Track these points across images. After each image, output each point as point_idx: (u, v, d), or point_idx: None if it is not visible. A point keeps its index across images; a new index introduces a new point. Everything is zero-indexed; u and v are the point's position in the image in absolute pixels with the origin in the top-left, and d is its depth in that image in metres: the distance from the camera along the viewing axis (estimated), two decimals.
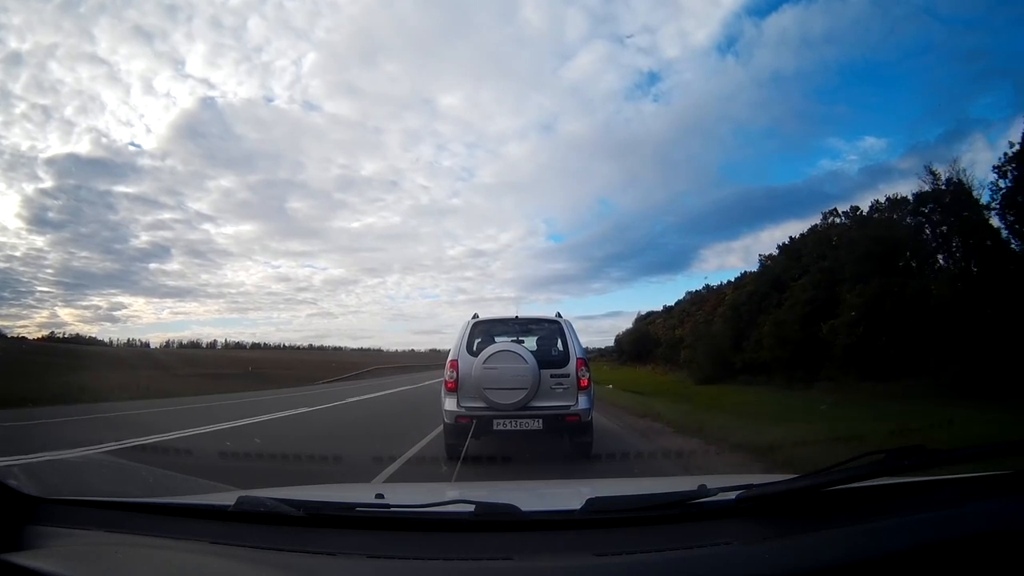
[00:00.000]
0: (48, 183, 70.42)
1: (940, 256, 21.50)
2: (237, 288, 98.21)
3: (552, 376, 6.07)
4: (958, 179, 20.70)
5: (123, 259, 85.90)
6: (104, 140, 77.20)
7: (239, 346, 58.96)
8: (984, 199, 20.18)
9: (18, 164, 65.21)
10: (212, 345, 58.83)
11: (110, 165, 79.84)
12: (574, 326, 6.67)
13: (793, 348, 23.35)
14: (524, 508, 1.50)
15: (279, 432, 9.74)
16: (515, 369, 5.85)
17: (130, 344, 51.54)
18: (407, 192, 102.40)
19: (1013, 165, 19.44)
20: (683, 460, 6.31)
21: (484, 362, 5.90)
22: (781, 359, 23.96)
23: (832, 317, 21.95)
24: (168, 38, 79.39)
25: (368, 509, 1.59)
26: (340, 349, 64.22)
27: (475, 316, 6.83)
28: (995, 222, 19.94)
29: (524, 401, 5.85)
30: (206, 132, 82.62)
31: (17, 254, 63.21)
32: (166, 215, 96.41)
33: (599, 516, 1.49)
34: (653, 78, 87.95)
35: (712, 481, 1.66)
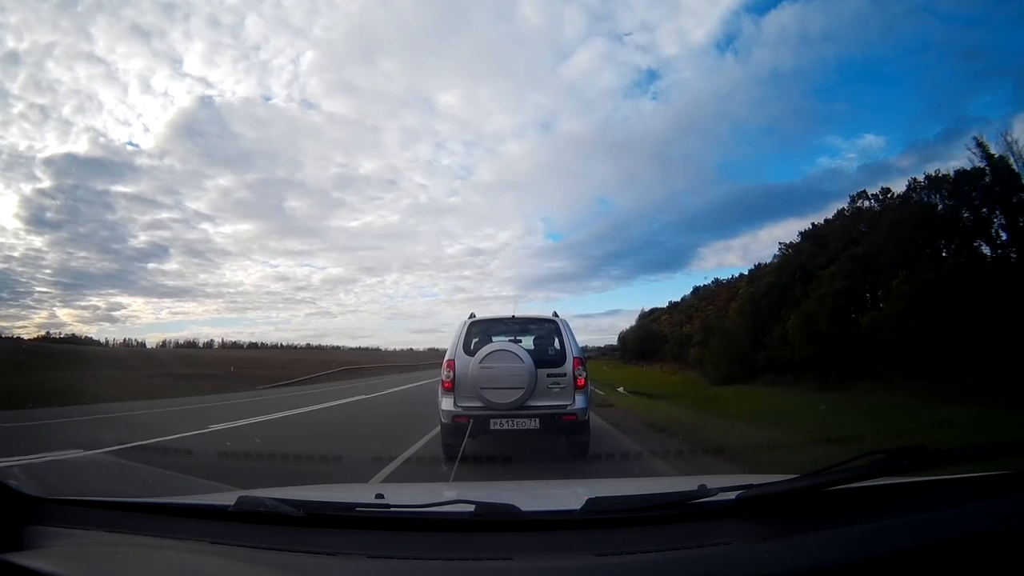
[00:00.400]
0: (46, 183, 70.20)
1: (992, 238, 19.10)
2: (236, 288, 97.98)
3: (549, 375, 6.07)
4: (1012, 153, 18.40)
5: (121, 259, 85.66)
6: (102, 139, 77.02)
7: (236, 345, 58.76)
8: None
9: (16, 164, 65.02)
10: (209, 344, 58.62)
11: (108, 164, 79.50)
12: (572, 325, 6.68)
13: (825, 344, 20.47)
14: (524, 508, 1.50)
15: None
16: (512, 368, 5.84)
17: (126, 344, 51.30)
18: (405, 191, 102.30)
19: None
20: (682, 460, 6.30)
21: (481, 361, 5.90)
22: (812, 356, 21.02)
23: (869, 308, 19.94)
24: (165, 37, 79.24)
25: (368, 509, 1.59)
26: (338, 348, 63.95)
27: (472, 316, 6.82)
28: None
29: (521, 400, 5.85)
30: (204, 131, 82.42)
31: (15, 254, 62.96)
32: (164, 215, 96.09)
33: (599, 516, 1.48)
34: (652, 76, 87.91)
35: (712, 481, 1.67)
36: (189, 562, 1.37)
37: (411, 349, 72.66)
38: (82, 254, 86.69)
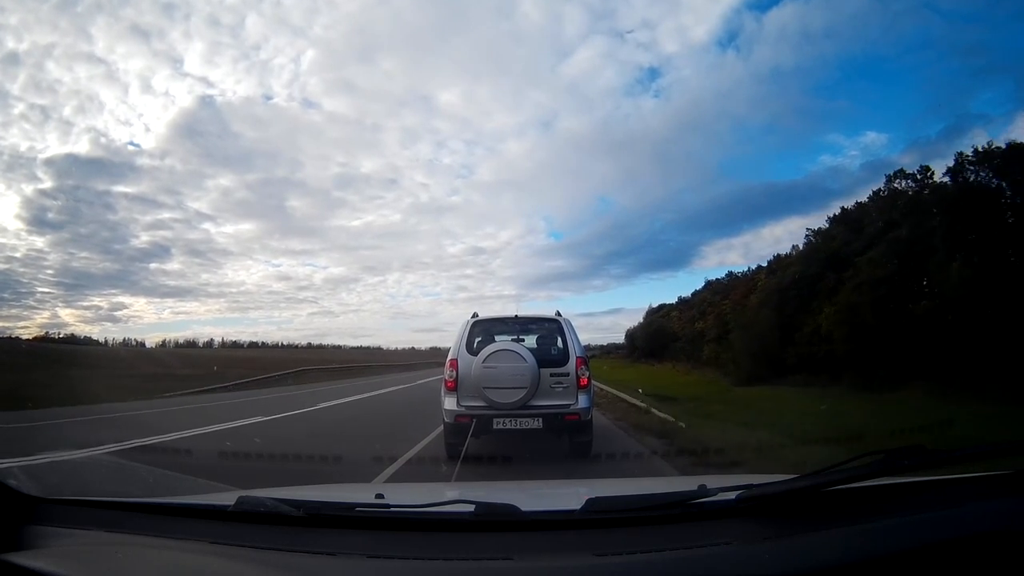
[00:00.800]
0: (47, 184, 70.03)
1: None
2: (238, 287, 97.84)
3: (552, 375, 6.07)
4: None
5: (123, 259, 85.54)
6: (103, 140, 76.80)
7: (236, 345, 58.60)
8: None
9: (17, 165, 64.95)
10: (209, 344, 58.50)
11: (109, 165, 79.38)
12: (574, 324, 6.68)
13: (870, 339, 17.73)
14: (524, 508, 1.50)
15: None
16: (515, 368, 5.85)
17: (126, 344, 51.15)
18: (406, 190, 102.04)
19: None
20: (683, 460, 6.30)
21: (484, 361, 5.90)
22: (852, 353, 18.32)
23: (919, 297, 17.62)
24: (166, 36, 78.98)
25: (368, 509, 1.59)
26: (339, 347, 63.80)
27: (474, 315, 6.82)
28: None
29: (524, 400, 5.85)
30: (205, 131, 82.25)
31: (17, 255, 62.87)
32: (165, 215, 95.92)
33: (599, 516, 1.48)
34: (653, 74, 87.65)
35: (712, 481, 1.66)
36: (189, 562, 1.38)
37: (412, 348, 72.56)
38: (84, 254, 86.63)
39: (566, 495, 2.31)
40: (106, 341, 50.12)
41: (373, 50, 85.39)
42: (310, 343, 67.77)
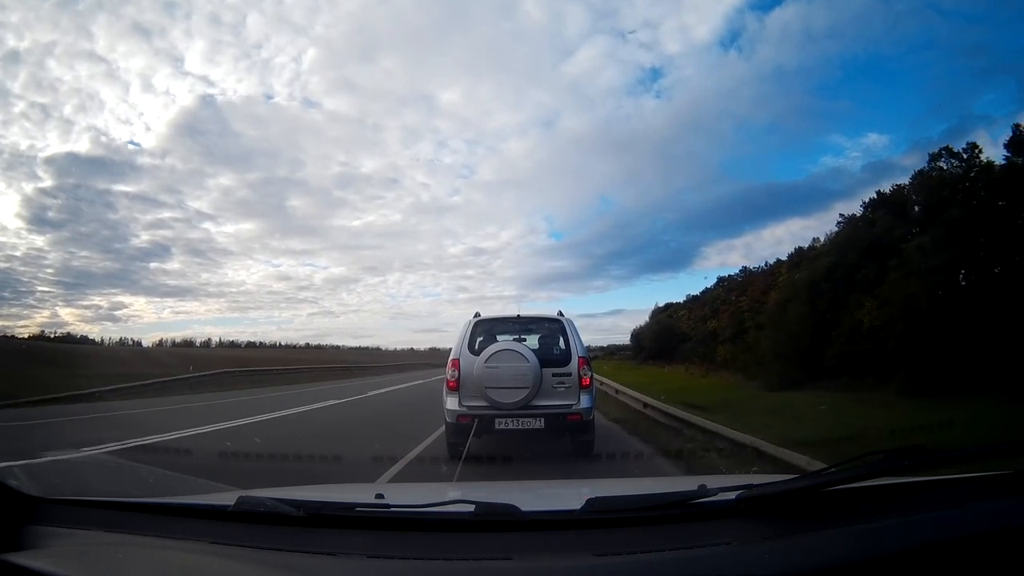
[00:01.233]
0: (47, 182, 70.15)
1: None
2: (238, 287, 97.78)
3: (554, 375, 6.07)
4: None
5: (123, 258, 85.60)
6: (103, 138, 76.67)
7: (233, 344, 58.41)
8: None
9: (17, 163, 64.96)
10: (206, 343, 58.31)
11: (109, 164, 79.27)
12: (576, 325, 6.68)
13: (928, 336, 15.17)
14: (524, 508, 1.50)
15: None
16: (517, 368, 5.85)
17: (122, 343, 51.00)
18: (407, 190, 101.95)
19: None
20: (683, 460, 6.31)
21: (486, 361, 5.90)
22: (908, 352, 15.54)
23: (982, 286, 15.28)
24: (167, 35, 78.93)
25: (368, 509, 1.59)
26: (338, 348, 63.71)
27: (477, 315, 6.82)
28: None
29: (526, 400, 5.85)
30: (205, 130, 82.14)
31: (17, 254, 62.88)
32: (166, 214, 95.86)
33: (599, 516, 1.48)
34: (655, 74, 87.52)
35: (712, 481, 1.67)
36: (189, 562, 1.38)
37: (412, 349, 72.41)
38: (84, 253, 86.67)
39: (566, 495, 2.31)
40: (102, 340, 50.00)
41: (374, 49, 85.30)
42: (308, 343, 67.72)
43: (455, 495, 2.03)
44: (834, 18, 65.67)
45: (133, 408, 13.38)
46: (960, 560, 1.21)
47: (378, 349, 68.51)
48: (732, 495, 1.49)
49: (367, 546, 1.40)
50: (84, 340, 47.75)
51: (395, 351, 68.42)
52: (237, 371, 25.81)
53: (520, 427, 5.90)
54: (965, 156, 20.95)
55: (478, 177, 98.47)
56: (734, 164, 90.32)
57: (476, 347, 6.33)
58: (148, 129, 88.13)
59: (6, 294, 57.70)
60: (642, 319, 56.95)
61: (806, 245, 31.40)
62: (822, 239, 28.90)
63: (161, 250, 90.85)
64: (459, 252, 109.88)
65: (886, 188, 24.54)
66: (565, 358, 6.27)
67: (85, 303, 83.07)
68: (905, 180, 24.14)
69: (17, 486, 1.55)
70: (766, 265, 40.00)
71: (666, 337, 45.43)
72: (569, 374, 6.10)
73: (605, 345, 56.61)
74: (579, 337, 6.47)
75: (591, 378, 6.25)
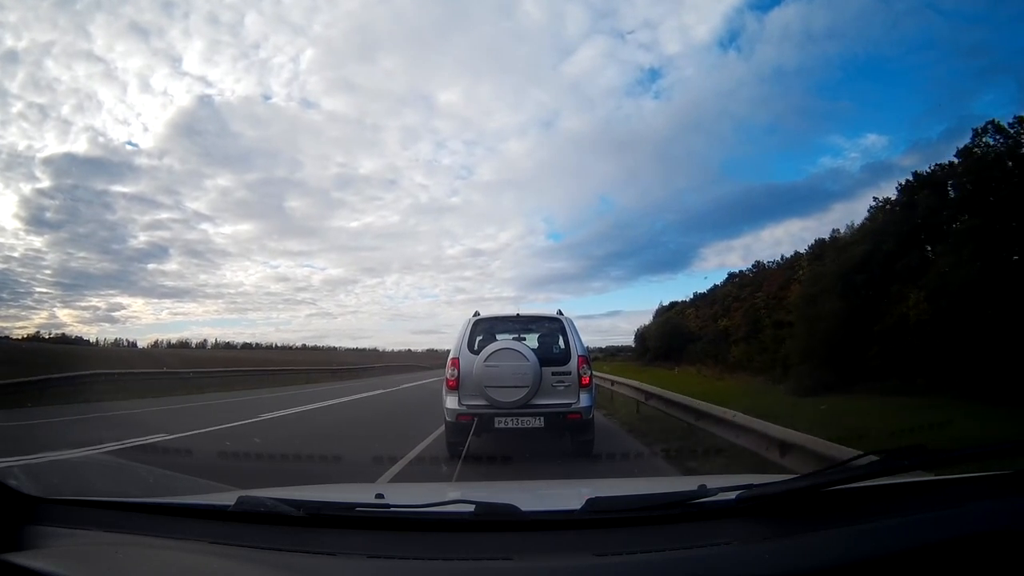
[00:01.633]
0: (45, 183, 70.24)
1: None
2: (236, 288, 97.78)
3: (553, 374, 6.07)
4: None
5: (121, 259, 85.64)
6: (101, 139, 76.86)
7: (229, 346, 58.33)
8: None
9: (15, 164, 65.03)
10: (202, 345, 58.26)
11: (107, 164, 79.42)
12: (575, 324, 6.67)
13: (994, 330, 13.38)
14: (524, 508, 1.50)
15: None
16: (516, 367, 5.85)
17: (117, 344, 50.92)
18: (406, 190, 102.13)
19: None
20: (683, 460, 6.31)
21: (486, 360, 5.90)
22: (971, 351, 13.48)
23: None
24: (165, 35, 79.21)
25: (368, 509, 1.59)
26: (336, 349, 63.68)
27: (476, 314, 6.82)
28: None
29: (526, 399, 5.86)
30: (203, 130, 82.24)
31: (15, 255, 62.97)
32: (164, 215, 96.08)
33: (599, 516, 1.48)
34: (654, 74, 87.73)
35: (712, 481, 1.67)
36: (189, 562, 1.37)
37: (409, 350, 72.40)
38: (82, 254, 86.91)
39: (566, 495, 2.31)
40: (97, 341, 49.92)
41: (373, 49, 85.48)
42: (305, 344, 67.72)
43: (455, 495, 2.02)
44: (834, 18, 65.92)
45: (131, 408, 13.21)
46: (960, 560, 1.21)
47: (376, 350, 68.52)
48: (732, 495, 1.49)
49: (367, 546, 1.40)
50: (79, 341, 47.76)
51: (393, 352, 68.48)
52: (223, 371, 25.80)
53: (520, 426, 5.90)
54: (1012, 132, 19.06)
55: (477, 178, 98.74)
56: (733, 164, 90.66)
57: (476, 346, 6.33)
58: (146, 129, 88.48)
59: (4, 295, 57.77)
60: (641, 320, 56.14)
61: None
62: (842, 230, 27.24)
63: (159, 251, 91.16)
64: (457, 253, 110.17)
65: (924, 169, 22.36)
66: (565, 357, 6.27)
67: (83, 304, 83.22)
68: (947, 160, 21.59)
69: (17, 486, 1.55)
70: (782, 259, 38.61)
71: (673, 337, 44.17)
72: (569, 373, 6.11)
73: (604, 346, 56.09)
74: (579, 336, 6.47)
75: (591, 377, 6.26)
